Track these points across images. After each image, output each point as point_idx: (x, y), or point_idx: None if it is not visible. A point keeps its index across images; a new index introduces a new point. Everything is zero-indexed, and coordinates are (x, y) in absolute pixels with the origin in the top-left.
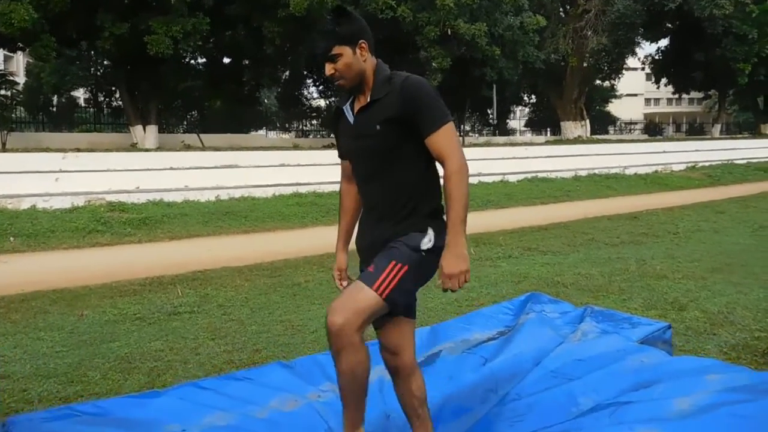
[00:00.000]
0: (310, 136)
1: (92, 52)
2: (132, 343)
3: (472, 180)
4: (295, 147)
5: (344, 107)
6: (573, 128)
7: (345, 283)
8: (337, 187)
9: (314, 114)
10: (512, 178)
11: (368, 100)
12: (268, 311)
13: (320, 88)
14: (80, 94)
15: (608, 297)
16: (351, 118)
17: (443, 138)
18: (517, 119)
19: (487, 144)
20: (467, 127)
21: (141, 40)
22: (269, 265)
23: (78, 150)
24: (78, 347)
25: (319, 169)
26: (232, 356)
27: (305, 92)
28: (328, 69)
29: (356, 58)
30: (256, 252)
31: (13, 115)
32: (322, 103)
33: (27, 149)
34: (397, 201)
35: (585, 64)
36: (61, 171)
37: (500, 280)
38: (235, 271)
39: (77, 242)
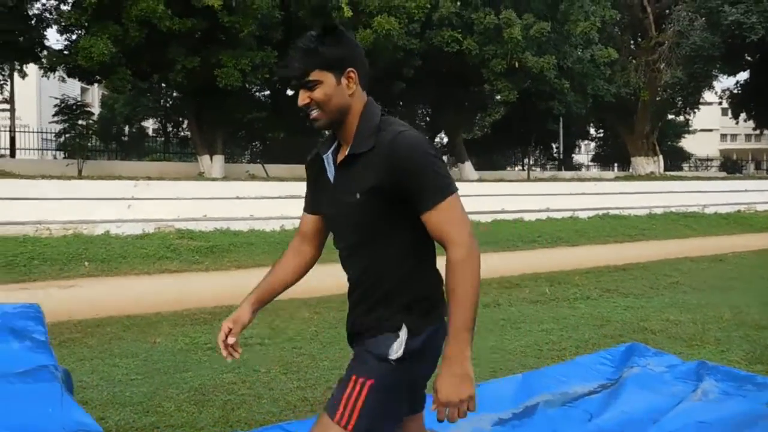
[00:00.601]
0: None
1: (163, 84)
2: (204, 374)
3: (540, 216)
4: None
5: (325, 156)
6: (645, 164)
7: (231, 341)
8: None
9: None
10: (582, 215)
11: (348, 152)
12: (339, 347)
13: None
14: (149, 124)
15: (703, 347)
16: (331, 174)
17: (444, 216)
18: (583, 154)
19: (554, 179)
20: (531, 161)
21: (211, 72)
22: (337, 298)
23: (149, 178)
24: (152, 375)
25: None
26: (306, 393)
27: None
28: (302, 97)
29: (340, 89)
30: (322, 284)
31: (88, 144)
32: None
33: (101, 177)
34: (374, 284)
35: (657, 98)
36: (133, 198)
37: (581, 323)
38: (303, 303)
39: (147, 268)
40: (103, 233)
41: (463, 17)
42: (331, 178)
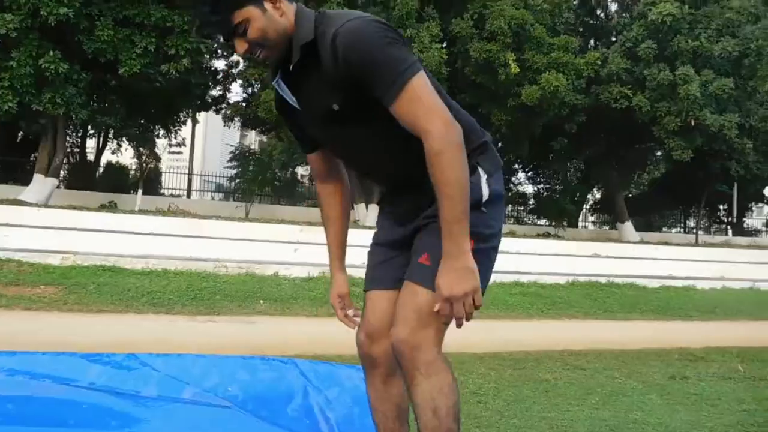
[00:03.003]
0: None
1: None
2: None
3: (714, 284)
4: (511, 234)
5: (276, 83)
6: None
7: (351, 313)
8: (559, 279)
9: (520, 200)
10: (764, 286)
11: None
12: (524, 405)
13: (529, 174)
14: (299, 171)
15: None
16: (291, 100)
17: (409, 107)
18: (755, 218)
19: (727, 244)
20: (699, 224)
21: None
22: (509, 356)
23: (310, 223)
24: None
25: (539, 258)
26: None
27: (513, 178)
28: (240, 46)
29: (269, 17)
30: (489, 340)
31: (255, 189)
32: (529, 189)
33: (263, 219)
34: (416, 174)
35: None
36: (298, 242)
37: None
38: (477, 358)
39: (316, 311)
40: (273, 274)
41: (633, 73)
42: (296, 104)
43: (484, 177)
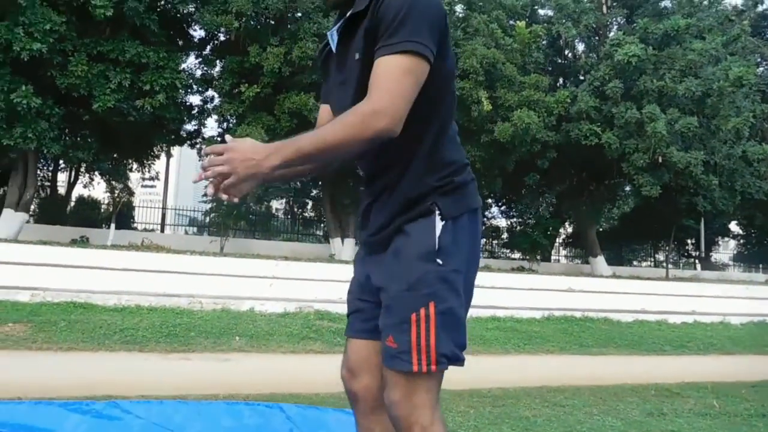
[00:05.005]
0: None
1: None
2: None
3: (686, 319)
4: (487, 268)
5: (329, 33)
6: None
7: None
8: (535, 314)
9: (494, 234)
10: (734, 320)
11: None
12: None
13: (502, 208)
14: (273, 204)
15: None
16: (334, 45)
17: (385, 68)
18: (722, 252)
19: (696, 279)
20: (669, 259)
21: (351, 161)
22: (488, 393)
23: (286, 258)
24: None
25: (515, 293)
26: None
27: (486, 212)
28: None
29: None
30: (468, 377)
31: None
32: (503, 223)
33: (241, 254)
34: (390, 172)
35: None
36: (274, 277)
37: None
38: (456, 394)
39: (293, 347)
40: (248, 309)
41: (602, 111)
42: (334, 50)
43: (439, 224)
